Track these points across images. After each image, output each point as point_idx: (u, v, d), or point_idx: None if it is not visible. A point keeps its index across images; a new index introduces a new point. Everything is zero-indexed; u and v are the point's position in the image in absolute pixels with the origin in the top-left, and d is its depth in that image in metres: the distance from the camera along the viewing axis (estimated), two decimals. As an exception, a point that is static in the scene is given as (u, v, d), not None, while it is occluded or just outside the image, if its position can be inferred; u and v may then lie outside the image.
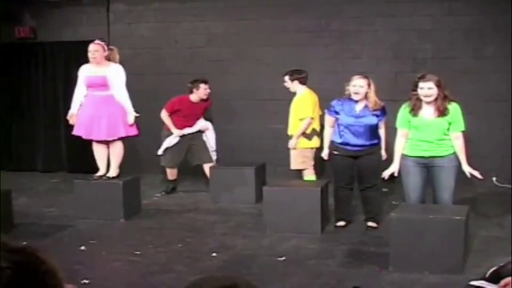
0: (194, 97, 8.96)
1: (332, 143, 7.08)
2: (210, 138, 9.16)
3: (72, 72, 10.97)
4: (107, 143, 7.77)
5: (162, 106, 9.04)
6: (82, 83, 7.65)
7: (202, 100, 9.01)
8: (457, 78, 8.70)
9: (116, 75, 7.54)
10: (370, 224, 7.15)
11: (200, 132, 9.12)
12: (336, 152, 7.05)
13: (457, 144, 6.20)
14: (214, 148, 9.18)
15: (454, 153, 6.22)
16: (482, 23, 9.15)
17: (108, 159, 7.90)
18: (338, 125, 6.98)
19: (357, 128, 6.87)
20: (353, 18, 9.63)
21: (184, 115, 8.93)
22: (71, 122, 7.74)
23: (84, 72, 7.64)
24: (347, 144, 6.93)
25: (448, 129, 6.18)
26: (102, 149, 7.83)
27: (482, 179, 6.36)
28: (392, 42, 9.52)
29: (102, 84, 7.52)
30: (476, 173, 6.17)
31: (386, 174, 6.45)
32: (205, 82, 8.96)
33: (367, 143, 6.92)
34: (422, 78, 6.17)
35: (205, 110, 9.18)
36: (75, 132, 7.74)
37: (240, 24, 10.13)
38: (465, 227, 5.68)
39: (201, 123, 9.14)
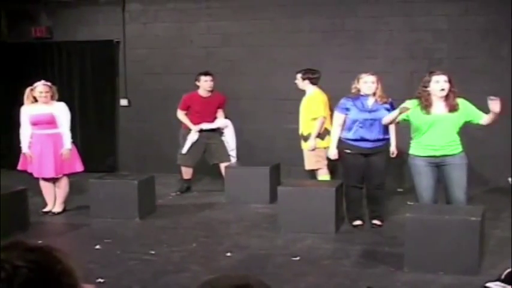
0: (201, 91, 9.00)
1: (343, 141, 7.08)
2: (229, 137, 9.12)
3: (87, 71, 11.06)
4: (53, 179, 7.89)
5: (177, 105, 9.07)
6: (26, 122, 7.74)
7: (211, 93, 8.99)
8: (473, 78, 8.64)
9: (62, 113, 7.74)
10: (375, 221, 7.21)
11: (219, 130, 9.12)
12: (348, 151, 7.05)
13: (488, 117, 6.09)
14: (234, 147, 9.17)
15: (464, 150, 6.23)
16: (498, 22, 9.09)
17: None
18: (351, 121, 6.99)
19: (371, 122, 6.92)
20: (368, 18, 9.60)
21: (197, 111, 8.93)
22: (28, 158, 7.81)
23: (27, 111, 7.72)
24: (361, 139, 6.94)
25: (459, 126, 6.19)
26: (49, 186, 7.97)
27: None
28: (408, 42, 9.49)
29: (48, 121, 7.67)
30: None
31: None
32: (205, 74, 8.97)
33: (381, 136, 6.98)
34: (434, 73, 6.22)
35: (218, 106, 9.13)
36: (22, 167, 7.87)
37: (254, 24, 10.14)
38: (481, 227, 5.64)
39: (221, 121, 9.13)
